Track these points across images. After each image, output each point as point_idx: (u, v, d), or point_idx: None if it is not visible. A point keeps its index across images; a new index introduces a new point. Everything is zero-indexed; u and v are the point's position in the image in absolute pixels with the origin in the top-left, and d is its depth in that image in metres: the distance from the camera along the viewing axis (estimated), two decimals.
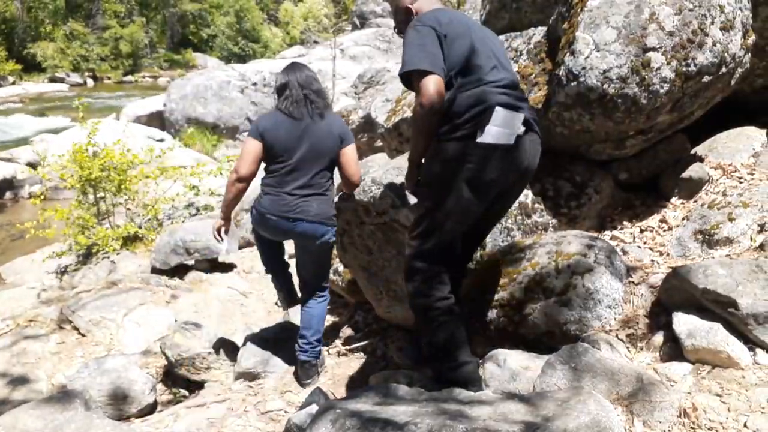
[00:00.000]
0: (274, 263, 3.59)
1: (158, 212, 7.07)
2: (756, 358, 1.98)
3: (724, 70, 2.89)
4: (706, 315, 2.12)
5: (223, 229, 3.37)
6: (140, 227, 6.69)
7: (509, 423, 1.57)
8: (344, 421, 1.64)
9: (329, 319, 4.35)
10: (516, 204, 3.06)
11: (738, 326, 2.05)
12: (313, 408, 2.55)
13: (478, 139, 2.05)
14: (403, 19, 2.47)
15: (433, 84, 2.04)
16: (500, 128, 2.06)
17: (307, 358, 3.33)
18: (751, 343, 2.03)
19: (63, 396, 2.96)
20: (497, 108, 2.06)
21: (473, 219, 2.24)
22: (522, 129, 2.11)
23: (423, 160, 2.32)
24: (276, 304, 3.95)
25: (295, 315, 4.36)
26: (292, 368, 3.46)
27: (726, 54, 2.85)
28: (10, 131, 15.12)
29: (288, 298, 3.68)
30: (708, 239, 2.76)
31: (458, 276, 2.47)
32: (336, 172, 3.20)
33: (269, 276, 3.72)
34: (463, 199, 2.12)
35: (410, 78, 2.16)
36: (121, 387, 3.48)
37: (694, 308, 2.17)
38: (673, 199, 3.24)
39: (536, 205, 3.18)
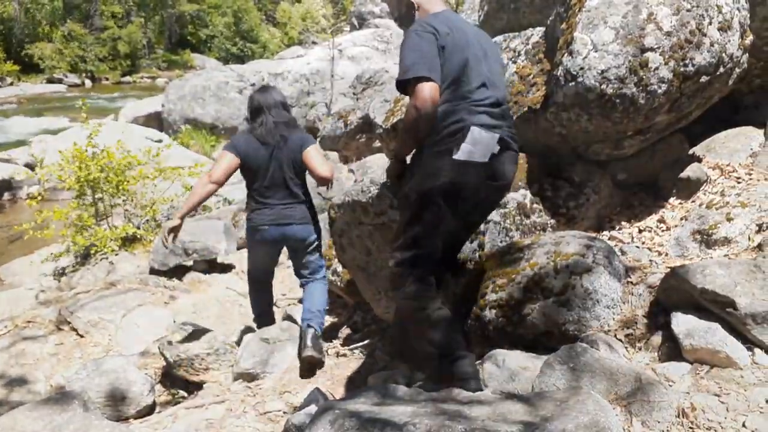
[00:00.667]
0: (261, 298, 3.98)
1: (156, 213, 7.05)
2: (754, 357, 1.98)
3: (721, 70, 2.89)
4: (704, 315, 2.12)
5: (174, 233, 3.45)
6: (138, 228, 6.68)
7: (508, 423, 1.57)
8: (343, 422, 1.64)
9: (328, 320, 4.35)
10: (514, 204, 3.07)
11: (736, 326, 2.05)
12: (312, 408, 2.55)
13: (454, 156, 2.17)
14: (406, 12, 2.52)
15: (428, 90, 2.11)
16: (475, 147, 2.17)
17: (313, 325, 3.51)
18: (750, 342, 2.03)
19: (61, 397, 2.95)
20: (472, 128, 2.17)
21: (452, 228, 2.31)
22: (497, 148, 2.21)
23: (407, 163, 2.40)
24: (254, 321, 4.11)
25: (295, 313, 4.37)
26: (291, 369, 3.46)
27: (724, 54, 2.86)
28: (8, 132, 15.10)
29: (262, 323, 4.00)
30: (706, 239, 2.76)
31: (442, 278, 2.55)
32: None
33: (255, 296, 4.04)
34: (440, 211, 2.23)
35: (406, 82, 2.19)
36: (120, 388, 3.47)
37: (692, 308, 2.17)
38: (672, 200, 3.25)
39: (535, 206, 3.18)
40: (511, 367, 2.21)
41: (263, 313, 4.02)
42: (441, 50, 2.19)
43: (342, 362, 3.55)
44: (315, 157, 3.53)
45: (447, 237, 2.33)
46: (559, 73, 2.92)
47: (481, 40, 2.40)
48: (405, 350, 2.83)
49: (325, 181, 3.52)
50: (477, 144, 2.17)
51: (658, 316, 2.30)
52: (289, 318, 4.45)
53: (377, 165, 3.26)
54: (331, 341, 3.91)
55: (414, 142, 2.27)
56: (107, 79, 30.92)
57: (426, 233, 2.27)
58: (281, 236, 3.61)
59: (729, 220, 2.75)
